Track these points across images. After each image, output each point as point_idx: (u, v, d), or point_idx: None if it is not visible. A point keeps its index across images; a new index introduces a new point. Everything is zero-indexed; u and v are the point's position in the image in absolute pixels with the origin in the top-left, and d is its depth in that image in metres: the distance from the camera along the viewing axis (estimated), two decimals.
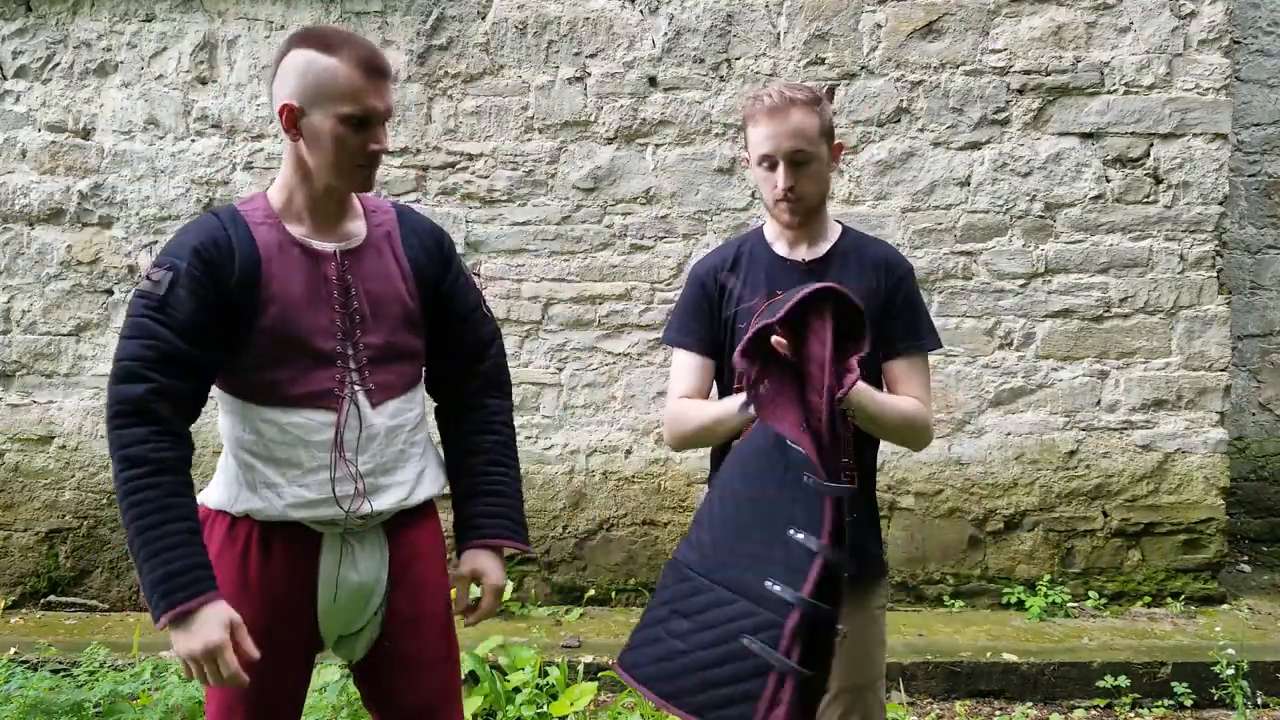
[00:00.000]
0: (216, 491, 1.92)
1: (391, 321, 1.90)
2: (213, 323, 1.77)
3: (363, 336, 1.87)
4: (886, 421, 2.04)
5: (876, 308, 2.07)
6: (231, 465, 1.90)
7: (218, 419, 1.94)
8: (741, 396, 1.98)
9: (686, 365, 2.19)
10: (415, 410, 1.99)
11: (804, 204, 2.07)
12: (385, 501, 1.91)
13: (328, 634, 1.95)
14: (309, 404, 1.84)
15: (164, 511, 1.71)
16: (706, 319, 2.18)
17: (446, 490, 2.07)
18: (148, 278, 1.78)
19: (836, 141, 2.13)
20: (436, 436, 2.11)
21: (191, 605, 1.69)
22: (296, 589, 1.88)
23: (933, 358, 4.28)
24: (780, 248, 2.17)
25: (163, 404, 1.74)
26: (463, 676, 3.47)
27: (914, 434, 2.12)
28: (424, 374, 2.04)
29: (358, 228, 1.91)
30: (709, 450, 2.24)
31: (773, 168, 2.05)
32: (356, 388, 1.86)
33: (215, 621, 1.70)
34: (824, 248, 2.14)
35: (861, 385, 1.94)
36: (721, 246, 2.31)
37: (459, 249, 4.41)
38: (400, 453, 1.94)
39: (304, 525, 1.87)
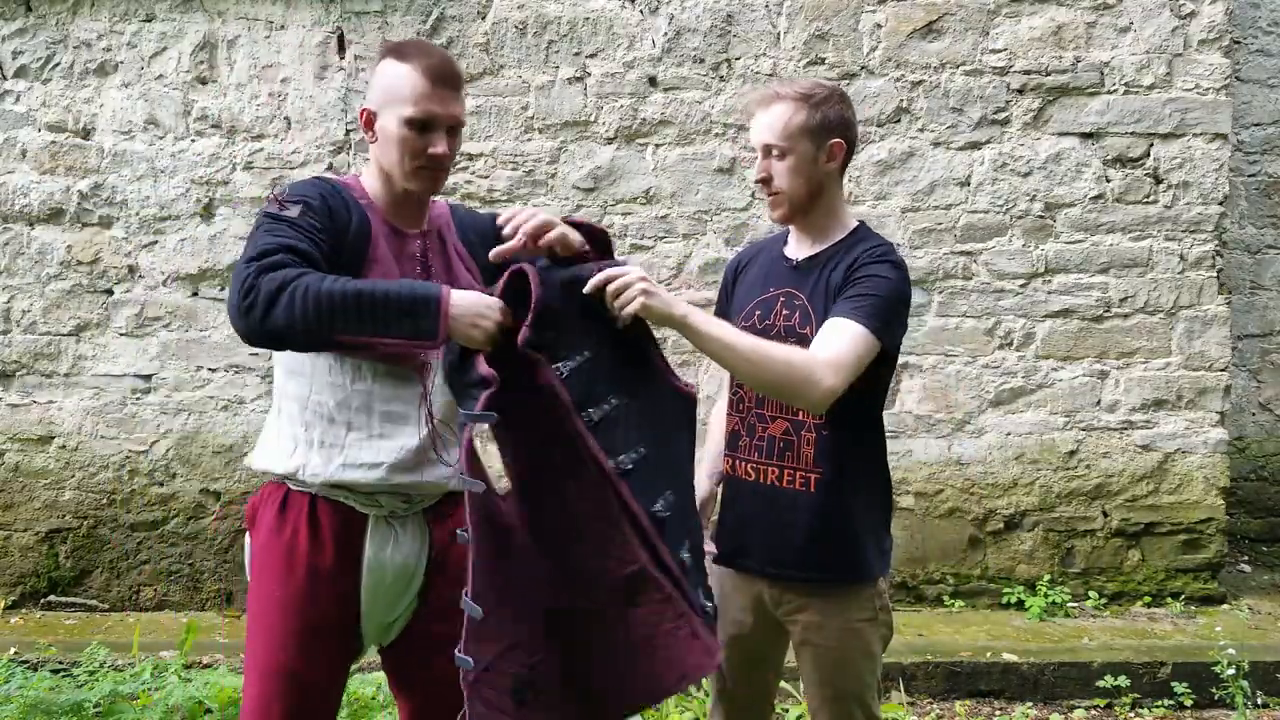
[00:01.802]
0: (268, 452, 1.97)
1: None
2: (326, 259, 1.83)
3: None
4: (724, 347, 1.88)
5: (837, 286, 2.04)
6: (287, 429, 1.95)
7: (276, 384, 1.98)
8: None
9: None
10: None
11: (783, 198, 2.08)
12: (435, 475, 1.96)
13: (369, 619, 1.97)
14: (398, 365, 1.91)
15: (342, 278, 1.74)
16: (724, 311, 2.27)
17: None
18: (278, 203, 1.85)
19: (835, 141, 2.06)
20: None
21: (444, 292, 1.75)
22: (343, 571, 1.91)
23: (933, 358, 4.35)
24: (790, 246, 2.20)
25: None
26: None
27: (774, 369, 1.89)
28: None
29: (421, 219, 2.03)
30: (708, 450, 2.29)
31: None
32: (433, 356, 1.91)
33: (463, 291, 1.79)
34: (822, 246, 2.13)
35: (663, 296, 1.84)
36: (752, 243, 2.40)
37: None
38: (453, 431, 1.99)
39: (351, 508, 1.91)
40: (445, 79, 1.90)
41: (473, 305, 1.77)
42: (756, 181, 2.11)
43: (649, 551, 1.85)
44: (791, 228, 2.19)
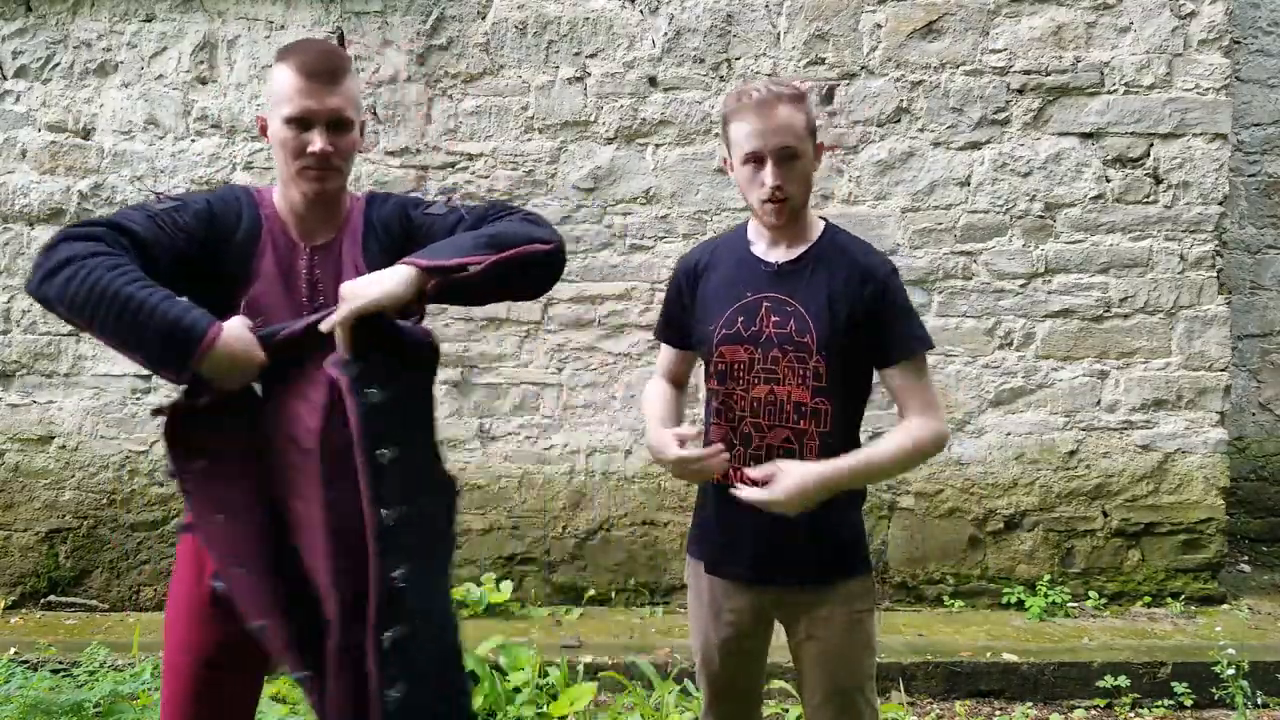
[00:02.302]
0: None
1: None
2: (176, 259, 1.77)
3: None
4: (875, 477, 2.08)
5: (856, 312, 2.02)
6: None
7: None
8: (651, 436, 2.10)
9: (665, 359, 2.28)
10: None
11: (790, 204, 2.01)
12: None
13: None
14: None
15: (136, 276, 1.64)
16: (679, 316, 2.22)
17: None
18: (157, 196, 1.85)
19: (819, 141, 2.07)
20: None
21: (213, 332, 1.64)
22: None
23: (933, 358, 4.32)
24: (759, 248, 2.13)
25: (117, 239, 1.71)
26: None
27: (919, 457, 2.07)
28: None
29: (332, 229, 1.96)
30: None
31: (759, 165, 1.99)
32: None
33: (236, 329, 1.68)
34: (800, 249, 2.09)
35: (823, 470, 1.95)
36: (704, 242, 2.30)
37: None
38: None
39: None
40: (319, 73, 1.83)
41: (240, 354, 1.66)
42: (770, 188, 1.97)
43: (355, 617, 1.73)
44: (761, 230, 2.12)
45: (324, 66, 1.84)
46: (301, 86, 1.82)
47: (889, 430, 2.10)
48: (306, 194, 1.89)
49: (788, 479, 1.93)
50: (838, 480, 1.97)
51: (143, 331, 1.61)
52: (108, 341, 1.66)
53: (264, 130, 1.91)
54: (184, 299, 1.68)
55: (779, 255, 2.10)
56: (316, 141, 1.83)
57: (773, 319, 2.05)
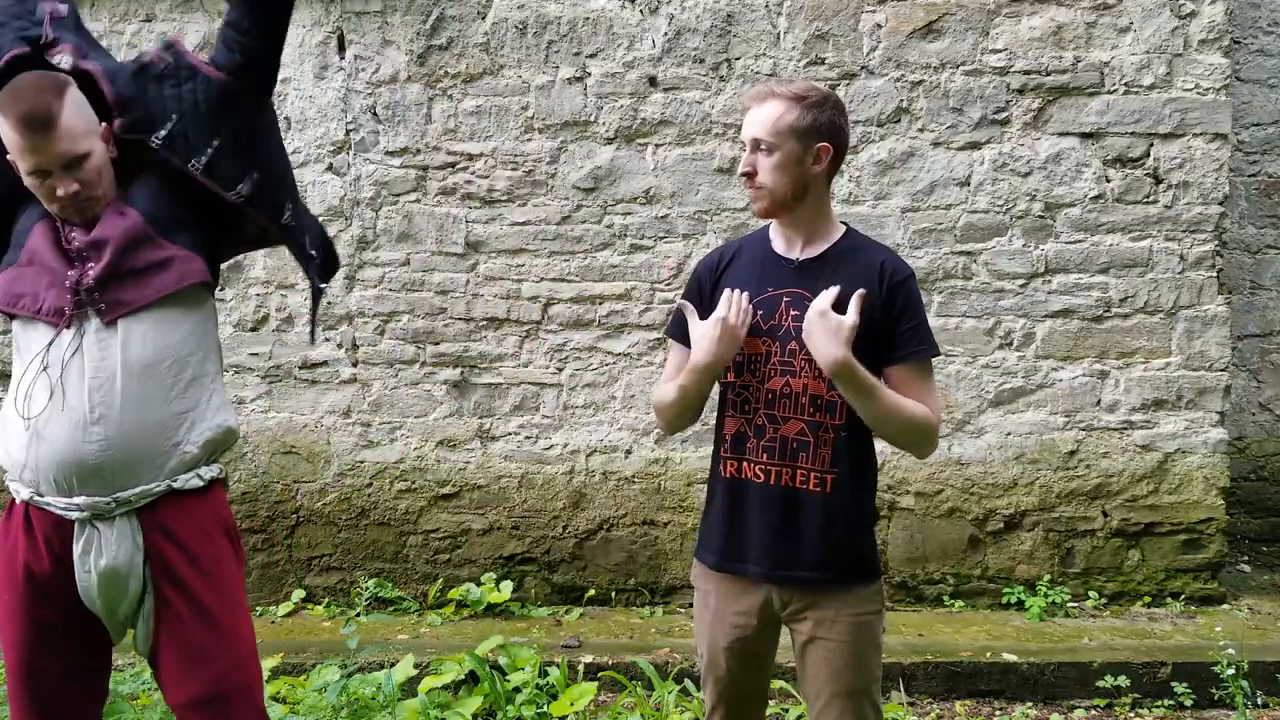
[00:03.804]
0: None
1: (119, 241, 1.94)
2: None
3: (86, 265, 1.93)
4: (879, 408, 2.02)
5: (874, 310, 2.06)
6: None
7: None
8: (691, 356, 2.10)
9: (674, 360, 2.26)
10: (178, 337, 2.00)
11: (765, 193, 2.08)
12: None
13: (104, 617, 1.97)
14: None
15: None
16: (697, 310, 2.22)
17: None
18: None
19: (821, 144, 2.07)
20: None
21: None
22: (57, 575, 1.92)
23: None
24: (778, 245, 2.18)
25: None
26: (461, 676, 3.49)
27: (914, 434, 2.09)
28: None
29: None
30: (711, 448, 2.26)
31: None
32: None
33: None
34: (821, 248, 2.14)
35: (855, 361, 1.97)
36: (726, 244, 2.34)
37: (459, 249, 4.43)
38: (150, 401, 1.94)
39: (55, 513, 1.92)
40: (33, 126, 1.82)
41: None
42: (741, 175, 2.11)
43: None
44: (779, 228, 2.18)
45: (36, 116, 1.82)
46: (24, 143, 1.84)
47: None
48: (77, 223, 1.94)
49: (844, 319, 1.98)
50: (859, 379, 1.99)
51: None
52: None
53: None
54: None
55: (799, 252, 2.15)
56: (60, 187, 1.87)
57: (792, 313, 2.09)
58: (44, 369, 1.87)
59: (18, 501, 1.94)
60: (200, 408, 1.99)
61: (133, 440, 1.89)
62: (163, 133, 1.95)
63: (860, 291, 1.99)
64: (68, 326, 1.88)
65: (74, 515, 1.90)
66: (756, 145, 2.07)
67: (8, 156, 1.91)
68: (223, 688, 1.95)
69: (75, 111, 1.87)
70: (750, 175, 2.08)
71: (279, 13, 2.05)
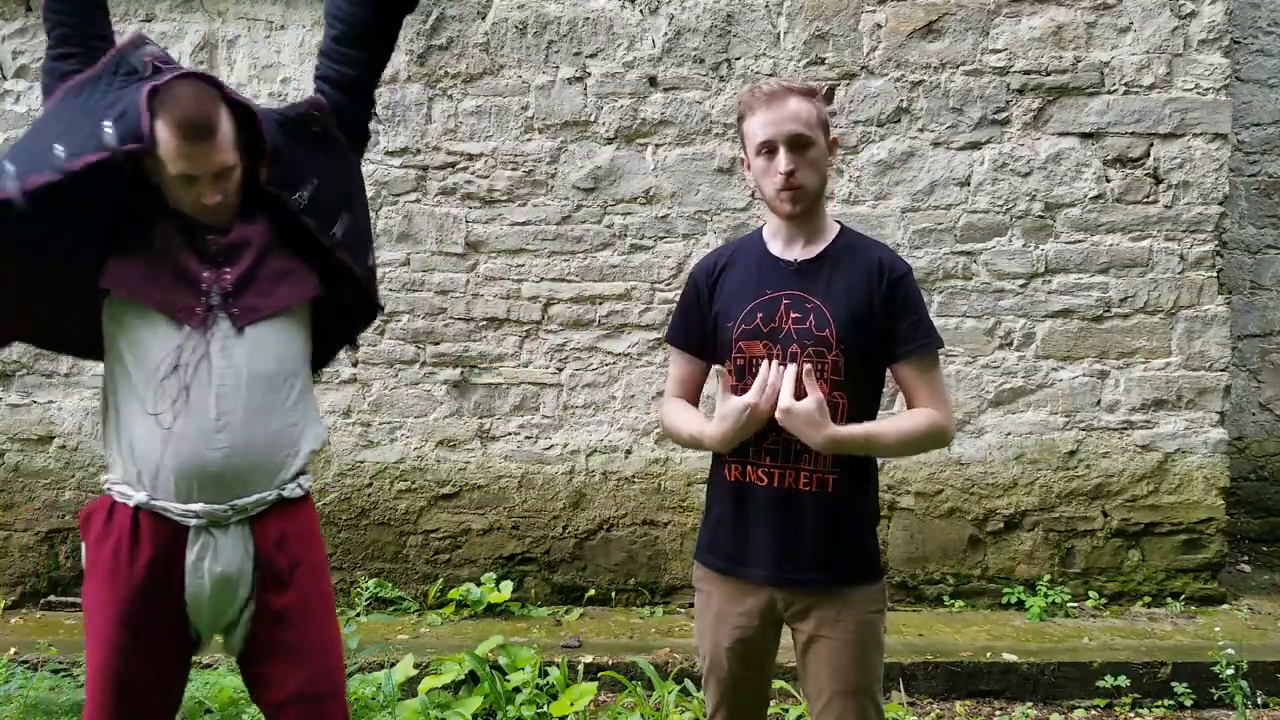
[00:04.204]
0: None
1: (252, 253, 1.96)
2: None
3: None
4: (887, 447, 2.08)
5: (874, 308, 2.07)
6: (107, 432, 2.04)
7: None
8: (713, 424, 2.09)
9: (677, 371, 2.26)
10: (294, 349, 2.02)
11: (804, 191, 2.06)
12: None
13: (199, 622, 1.97)
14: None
15: None
16: (697, 319, 2.22)
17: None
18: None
19: (832, 136, 2.13)
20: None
21: None
22: (164, 582, 1.91)
23: None
24: (775, 247, 2.17)
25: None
26: (461, 676, 3.49)
27: (926, 444, 2.11)
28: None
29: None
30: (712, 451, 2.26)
31: (772, 155, 2.04)
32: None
33: None
34: (818, 248, 2.13)
35: (841, 431, 1.99)
36: (721, 247, 2.34)
37: (459, 249, 4.43)
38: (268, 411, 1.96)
39: (170, 519, 1.91)
40: (191, 135, 1.81)
41: None
42: (781, 174, 2.03)
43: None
44: (779, 229, 2.16)
45: (200, 124, 1.82)
46: (182, 148, 1.82)
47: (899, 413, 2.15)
48: (212, 224, 1.92)
49: (810, 405, 1.97)
50: (856, 441, 2.02)
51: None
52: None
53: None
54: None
55: (797, 254, 2.14)
56: (206, 195, 1.87)
57: (792, 315, 2.09)
58: (174, 370, 1.87)
59: (127, 505, 1.91)
60: (308, 418, 2.04)
61: (254, 449, 1.91)
62: (305, 195, 1.97)
63: (807, 368, 1.99)
64: (198, 327, 1.88)
65: (191, 522, 1.89)
66: (796, 142, 2.03)
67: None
68: (321, 688, 1.99)
69: (229, 126, 1.88)
70: (792, 174, 2.04)
71: (391, 25, 2.08)
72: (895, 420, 2.09)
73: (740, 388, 2.12)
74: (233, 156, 1.88)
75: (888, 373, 2.16)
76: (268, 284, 1.94)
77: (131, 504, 1.91)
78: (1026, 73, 4.30)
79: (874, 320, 2.06)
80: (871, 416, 2.14)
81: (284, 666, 1.97)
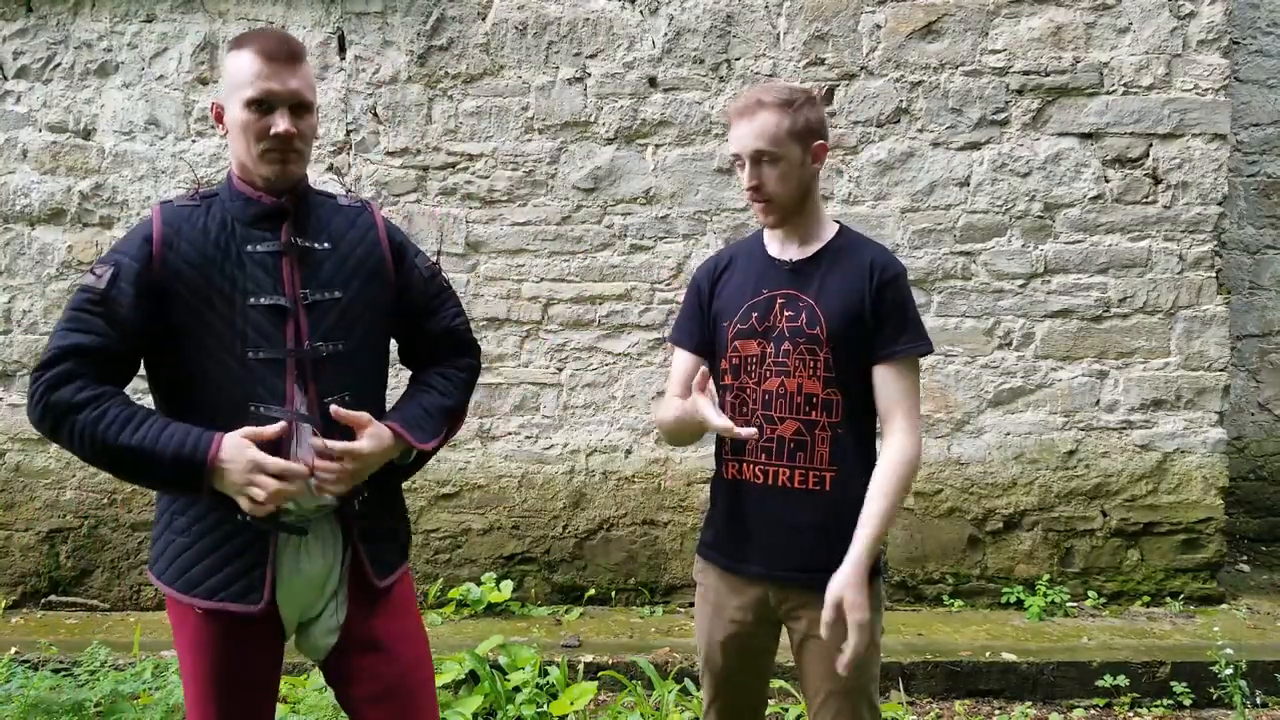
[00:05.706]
0: None
1: None
2: (130, 333, 1.90)
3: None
4: (893, 518, 2.05)
5: (865, 308, 2.08)
6: None
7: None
8: (672, 407, 2.11)
9: (678, 368, 2.26)
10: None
11: (774, 204, 2.09)
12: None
13: (289, 620, 1.98)
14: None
15: (127, 419, 1.78)
16: (699, 319, 2.24)
17: None
18: (93, 272, 1.89)
19: (819, 143, 2.10)
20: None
21: (214, 449, 1.77)
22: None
23: (932, 358, 4.35)
24: (773, 248, 2.20)
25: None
26: (462, 676, 3.50)
27: (908, 482, 2.06)
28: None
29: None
30: (713, 450, 2.28)
31: (743, 167, 2.09)
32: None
33: (236, 445, 1.78)
34: (814, 248, 2.16)
35: (862, 576, 1.95)
36: (723, 249, 2.37)
37: (459, 249, 4.44)
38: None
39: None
40: (279, 56, 1.84)
41: (241, 472, 1.76)
42: (747, 190, 2.09)
43: None
44: (775, 231, 2.19)
45: (284, 50, 1.85)
46: (262, 70, 1.82)
47: (872, 476, 2.08)
48: (269, 176, 1.89)
49: (849, 594, 1.94)
50: (868, 558, 1.98)
51: (154, 473, 1.79)
52: (129, 480, 1.87)
53: (219, 118, 1.91)
54: (181, 425, 1.79)
55: (793, 253, 2.17)
56: (280, 123, 1.84)
57: (785, 314, 2.11)
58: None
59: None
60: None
61: None
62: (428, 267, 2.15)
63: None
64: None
65: (284, 518, 1.90)
66: (759, 158, 2.06)
67: (235, 98, 1.85)
68: (410, 682, 2.00)
69: (311, 74, 1.93)
70: (757, 189, 2.08)
71: None
72: (877, 498, 2.02)
73: (735, 386, 2.15)
74: (312, 98, 1.90)
75: None
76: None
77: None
78: (1026, 73, 4.31)
79: (863, 318, 2.07)
80: (868, 412, 2.15)
81: (374, 660, 1.98)
